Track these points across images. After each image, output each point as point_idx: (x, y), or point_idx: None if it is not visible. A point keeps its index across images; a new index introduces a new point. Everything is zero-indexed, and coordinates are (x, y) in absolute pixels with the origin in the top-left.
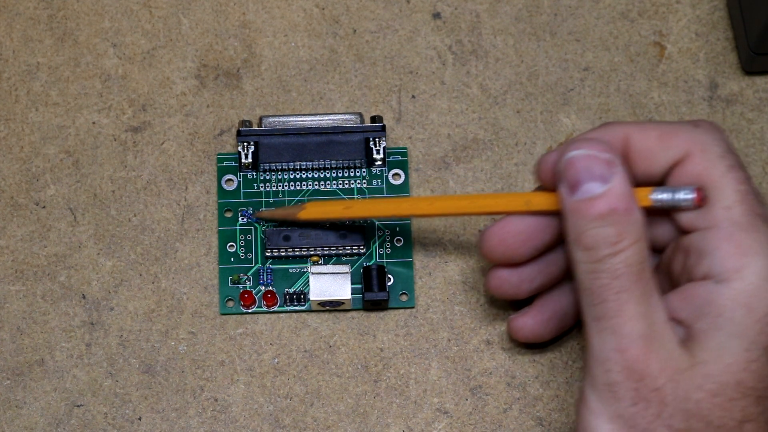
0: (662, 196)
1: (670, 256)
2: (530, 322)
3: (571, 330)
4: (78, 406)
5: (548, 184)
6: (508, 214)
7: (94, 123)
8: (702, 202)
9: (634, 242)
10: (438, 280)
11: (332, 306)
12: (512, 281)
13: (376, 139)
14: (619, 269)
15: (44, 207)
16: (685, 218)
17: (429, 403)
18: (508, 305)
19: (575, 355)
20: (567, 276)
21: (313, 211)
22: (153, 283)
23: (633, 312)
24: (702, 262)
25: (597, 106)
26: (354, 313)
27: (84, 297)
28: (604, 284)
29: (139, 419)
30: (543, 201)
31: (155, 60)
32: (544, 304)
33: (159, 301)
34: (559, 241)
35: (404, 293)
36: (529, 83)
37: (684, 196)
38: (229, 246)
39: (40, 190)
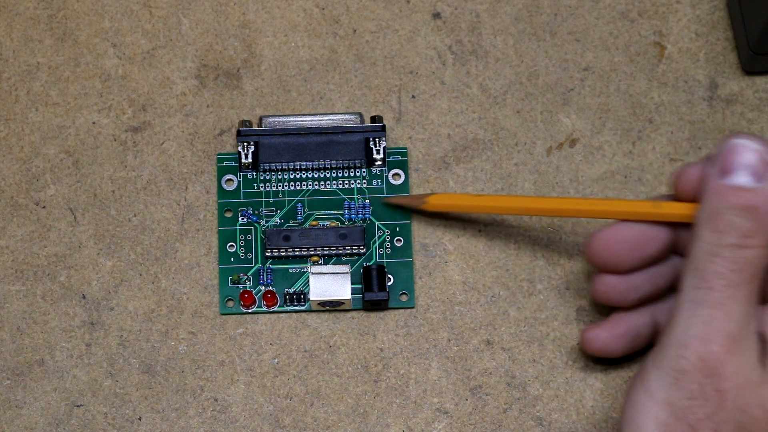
0: None
1: None
2: (603, 335)
3: (642, 352)
4: (78, 406)
5: (685, 195)
6: (631, 220)
7: (94, 123)
8: None
9: (763, 245)
10: (438, 280)
11: (332, 306)
12: (619, 289)
13: (376, 139)
14: (739, 263)
15: (44, 207)
16: None
17: (429, 403)
18: (508, 305)
19: (575, 355)
20: (671, 290)
21: (438, 203)
22: (153, 283)
23: (732, 310)
24: None
25: (597, 106)
26: (354, 313)
27: (84, 297)
28: (718, 272)
29: (139, 419)
30: (675, 209)
31: (155, 60)
32: (620, 319)
33: (159, 301)
34: (667, 255)
35: (404, 293)
36: (529, 83)
37: None
38: (229, 246)
39: (40, 190)
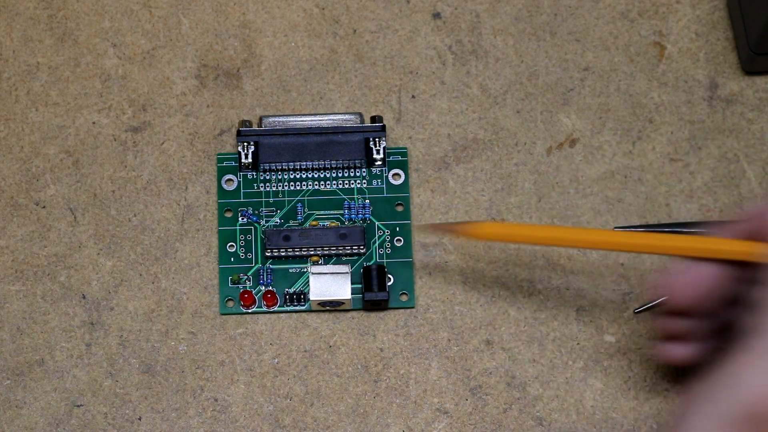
0: None
1: None
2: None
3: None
4: (78, 406)
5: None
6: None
7: (94, 123)
8: None
9: None
10: (438, 280)
11: (332, 306)
12: (687, 352)
13: (376, 139)
14: None
15: (44, 207)
16: None
17: (429, 403)
18: (507, 305)
19: (575, 355)
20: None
21: (489, 232)
22: (153, 283)
23: None
24: None
25: (597, 106)
26: (354, 313)
27: (84, 297)
28: None
29: (139, 419)
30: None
31: (155, 60)
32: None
33: (159, 301)
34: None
35: (404, 293)
36: (529, 83)
37: None
38: (229, 246)
39: (40, 190)
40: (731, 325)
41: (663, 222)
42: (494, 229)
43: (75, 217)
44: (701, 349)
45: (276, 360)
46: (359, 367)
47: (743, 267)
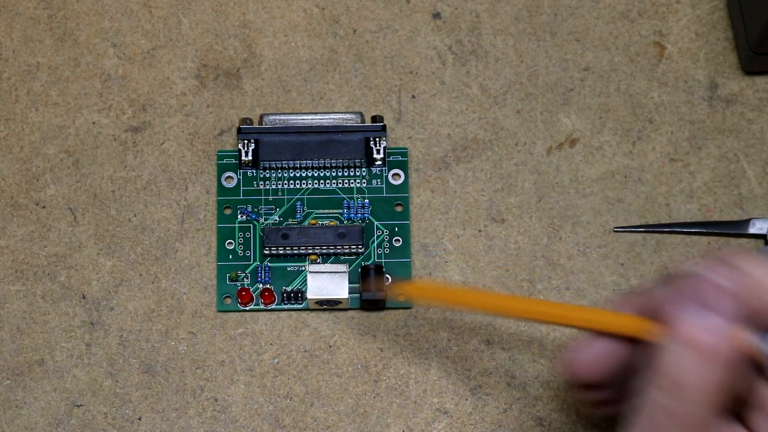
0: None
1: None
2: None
3: None
4: (78, 406)
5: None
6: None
7: (94, 123)
8: None
9: (723, 395)
10: (438, 280)
11: (329, 305)
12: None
13: (377, 139)
14: (689, 421)
15: (44, 207)
16: None
17: (429, 403)
18: None
19: None
20: None
21: (422, 292)
22: (153, 283)
23: None
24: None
25: (597, 106)
26: (354, 313)
27: (84, 297)
28: (666, 424)
29: (139, 419)
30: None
31: (155, 60)
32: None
33: (159, 301)
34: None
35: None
36: (529, 83)
37: None
38: (228, 243)
39: (40, 190)
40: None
41: (663, 222)
42: (419, 289)
43: (75, 217)
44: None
45: (276, 360)
46: (359, 367)
47: (639, 343)
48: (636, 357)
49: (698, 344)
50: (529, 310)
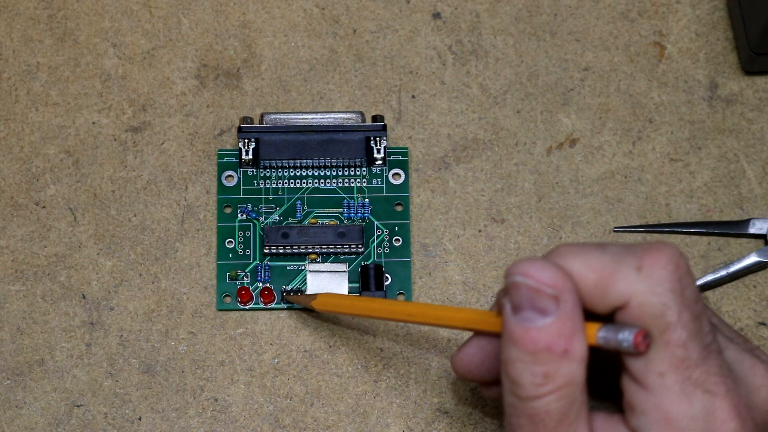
0: (607, 334)
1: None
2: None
3: None
4: (78, 406)
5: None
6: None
7: (94, 123)
8: (641, 348)
9: (564, 386)
10: (438, 280)
11: None
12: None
13: (377, 139)
14: (539, 415)
15: (44, 207)
16: (627, 359)
17: (429, 403)
18: None
19: None
20: None
21: (325, 302)
22: (153, 283)
23: None
24: (633, 414)
25: (597, 106)
26: None
27: (84, 297)
28: (520, 423)
29: (139, 419)
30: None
31: (155, 60)
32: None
33: (159, 301)
34: None
35: (401, 293)
36: (529, 83)
37: (625, 338)
38: (228, 242)
39: (40, 190)
40: None
41: (663, 222)
42: (326, 300)
43: (75, 217)
44: None
45: (276, 360)
46: (359, 367)
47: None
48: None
49: (519, 342)
50: (398, 311)
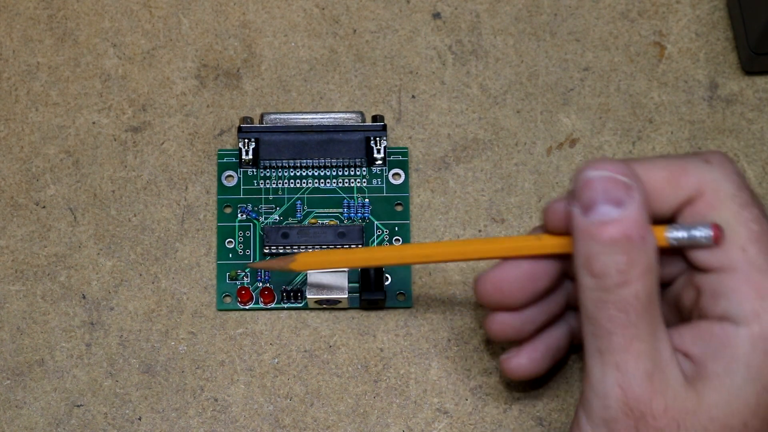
0: (678, 234)
1: (680, 291)
2: (525, 362)
3: (566, 359)
4: (78, 406)
5: (556, 230)
6: (517, 257)
7: (94, 123)
8: (719, 240)
9: (646, 273)
10: (438, 280)
11: (329, 304)
12: (514, 325)
13: (377, 139)
14: (628, 301)
15: (44, 207)
16: (699, 256)
17: (429, 403)
18: None
19: (575, 355)
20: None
21: (305, 262)
22: (153, 283)
23: (639, 349)
24: (718, 303)
25: (597, 106)
26: (354, 313)
27: (84, 297)
28: (611, 316)
29: (139, 419)
30: (555, 241)
31: (155, 60)
32: (537, 341)
33: (159, 301)
34: (560, 283)
35: (401, 293)
36: (529, 83)
37: (701, 234)
38: (228, 242)
39: (40, 190)
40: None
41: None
42: (309, 258)
43: (75, 217)
44: (538, 358)
45: (276, 360)
46: (359, 367)
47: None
48: (555, 275)
49: (598, 236)
50: (438, 252)
